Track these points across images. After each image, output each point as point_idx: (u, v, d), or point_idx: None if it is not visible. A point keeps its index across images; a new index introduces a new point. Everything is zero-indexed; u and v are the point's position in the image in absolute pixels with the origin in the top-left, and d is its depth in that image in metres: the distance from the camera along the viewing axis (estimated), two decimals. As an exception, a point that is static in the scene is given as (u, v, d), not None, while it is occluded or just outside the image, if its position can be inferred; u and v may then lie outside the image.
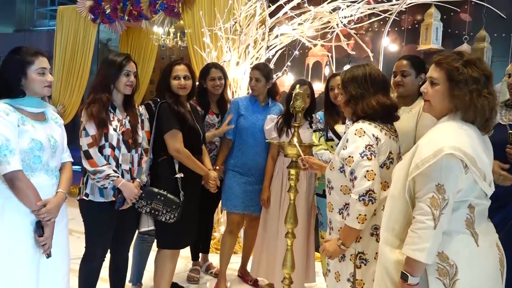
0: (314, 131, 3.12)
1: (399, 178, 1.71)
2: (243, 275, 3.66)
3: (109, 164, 2.47)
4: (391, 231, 1.72)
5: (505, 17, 3.49)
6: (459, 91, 1.62)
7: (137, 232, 3.04)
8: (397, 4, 3.64)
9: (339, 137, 2.90)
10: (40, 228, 2.05)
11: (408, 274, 1.59)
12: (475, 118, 1.63)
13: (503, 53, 3.49)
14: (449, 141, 1.55)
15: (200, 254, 3.78)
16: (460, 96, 1.62)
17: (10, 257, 1.98)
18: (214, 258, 3.91)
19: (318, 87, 4.38)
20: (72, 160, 2.33)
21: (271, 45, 4.25)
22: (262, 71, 3.29)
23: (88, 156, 2.43)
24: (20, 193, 1.99)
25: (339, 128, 2.94)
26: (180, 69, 2.84)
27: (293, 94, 2.61)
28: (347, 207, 2.00)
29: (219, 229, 4.33)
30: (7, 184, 1.98)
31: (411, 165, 1.63)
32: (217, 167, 3.26)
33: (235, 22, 4.19)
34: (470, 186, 1.59)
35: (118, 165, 2.52)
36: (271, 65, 4.13)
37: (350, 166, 1.95)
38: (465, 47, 3.58)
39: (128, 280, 3.04)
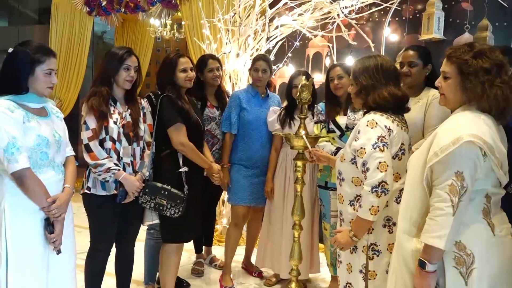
0: (316, 122, 3.12)
1: (416, 166, 1.71)
2: (247, 267, 3.66)
3: (110, 157, 2.45)
4: (408, 220, 1.72)
5: (506, 6, 3.48)
6: (470, 83, 1.62)
7: (146, 229, 3.04)
8: (398, -6, 3.63)
9: (340, 129, 2.89)
10: (50, 225, 2.03)
11: (426, 262, 1.59)
12: (490, 109, 1.62)
13: (505, 42, 3.47)
14: (468, 129, 1.56)
15: (203, 247, 3.77)
16: (472, 88, 1.62)
17: (21, 255, 1.96)
18: (216, 251, 3.91)
19: (319, 78, 4.36)
20: (74, 153, 2.31)
21: (271, 36, 4.22)
22: (268, 62, 3.32)
23: (89, 150, 2.41)
24: (29, 191, 1.97)
25: (340, 119, 2.93)
26: (186, 62, 2.82)
27: (299, 86, 2.61)
28: (359, 198, 2.00)
29: (221, 221, 4.33)
30: (16, 182, 1.96)
31: (429, 153, 1.63)
32: (225, 165, 3.26)
33: (235, 13, 4.15)
34: (487, 174, 1.59)
35: (119, 158, 2.50)
36: (272, 57, 4.11)
37: (362, 157, 1.94)
38: (466, 37, 3.57)
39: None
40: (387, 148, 1.92)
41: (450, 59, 1.68)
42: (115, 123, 2.48)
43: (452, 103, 1.72)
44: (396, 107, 2.03)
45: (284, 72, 4.47)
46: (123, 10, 5.28)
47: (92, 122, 2.43)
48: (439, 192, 1.58)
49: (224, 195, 4.08)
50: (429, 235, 1.58)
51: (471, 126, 1.57)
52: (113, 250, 2.68)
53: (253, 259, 3.63)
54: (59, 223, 2.07)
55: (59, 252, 2.07)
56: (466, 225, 1.59)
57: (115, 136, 2.47)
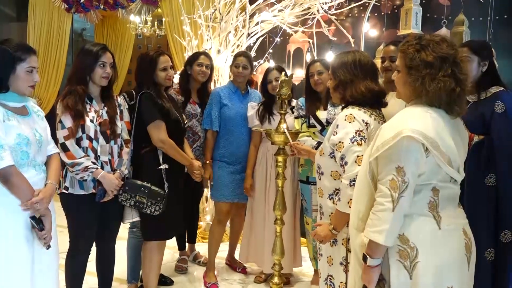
0: (296, 117, 3.14)
1: (364, 161, 1.71)
2: (231, 263, 3.67)
3: (88, 156, 2.43)
4: (357, 215, 1.71)
5: (482, 1, 3.54)
6: (410, 77, 1.61)
7: (128, 227, 3.03)
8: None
9: (320, 123, 2.92)
10: (40, 223, 2.01)
11: (367, 256, 1.59)
12: (432, 103, 1.60)
13: (481, 37, 3.53)
14: (409, 124, 1.54)
15: (187, 244, 3.77)
16: (411, 83, 1.61)
17: (3, 256, 1.92)
18: (200, 247, 3.91)
19: (300, 73, 4.38)
20: (58, 151, 2.28)
21: (252, 32, 4.23)
22: (249, 59, 3.33)
23: (65, 149, 2.38)
24: (14, 188, 1.94)
25: (321, 114, 2.95)
26: (166, 60, 2.82)
27: (279, 82, 2.62)
28: (338, 192, 2.02)
29: (205, 218, 4.33)
30: (0, 180, 1.92)
31: (373, 148, 1.63)
32: (207, 161, 3.27)
33: (215, 10, 4.14)
34: (433, 170, 1.57)
35: (97, 157, 2.48)
36: (253, 53, 4.12)
37: (340, 151, 1.96)
38: (444, 31, 3.62)
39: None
40: (364, 142, 1.94)
41: (400, 53, 1.67)
42: (91, 121, 2.46)
43: (404, 97, 1.72)
44: (373, 102, 2.05)
45: (266, 68, 4.47)
46: (102, 6, 5.22)
47: (67, 121, 2.40)
48: (381, 187, 1.57)
49: (207, 192, 4.08)
50: (370, 230, 1.57)
51: (414, 121, 1.55)
52: (94, 249, 2.66)
53: (236, 255, 3.65)
54: (47, 220, 2.04)
55: (49, 247, 2.06)
56: (411, 217, 1.58)
57: (92, 135, 2.45)
